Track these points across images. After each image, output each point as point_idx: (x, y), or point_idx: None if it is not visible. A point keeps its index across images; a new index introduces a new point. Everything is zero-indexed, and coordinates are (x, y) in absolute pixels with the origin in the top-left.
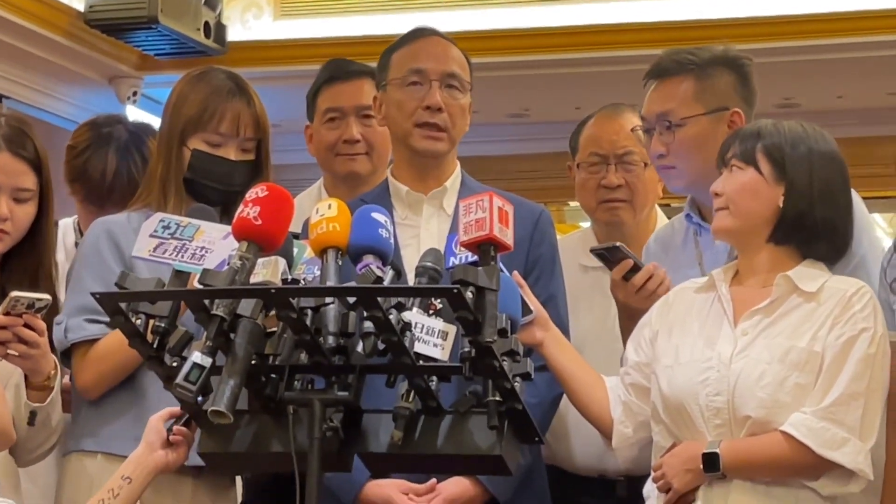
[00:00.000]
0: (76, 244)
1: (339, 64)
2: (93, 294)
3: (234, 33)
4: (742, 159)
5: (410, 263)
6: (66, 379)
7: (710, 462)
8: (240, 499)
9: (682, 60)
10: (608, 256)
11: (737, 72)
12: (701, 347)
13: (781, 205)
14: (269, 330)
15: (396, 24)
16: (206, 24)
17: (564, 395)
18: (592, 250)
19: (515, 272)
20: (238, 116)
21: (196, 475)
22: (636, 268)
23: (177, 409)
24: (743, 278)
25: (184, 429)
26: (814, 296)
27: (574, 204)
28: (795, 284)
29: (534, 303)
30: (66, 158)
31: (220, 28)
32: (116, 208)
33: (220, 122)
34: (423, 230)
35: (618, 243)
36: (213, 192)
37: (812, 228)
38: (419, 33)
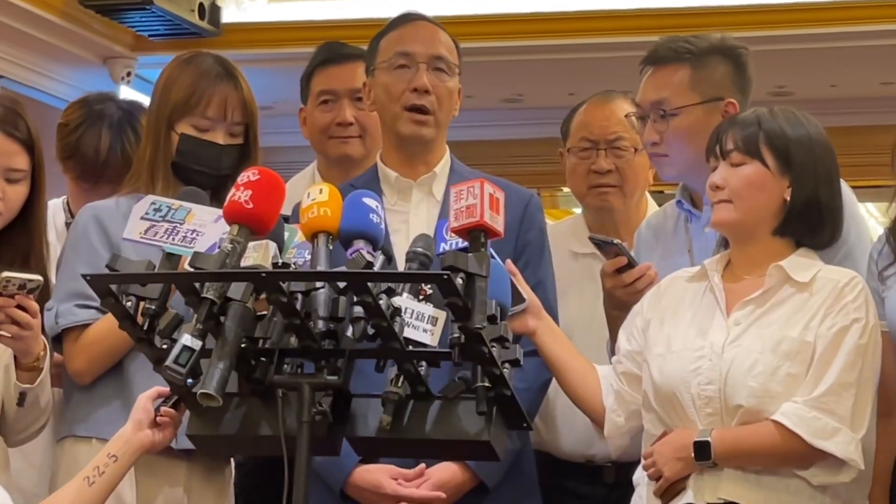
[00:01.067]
0: (66, 224)
1: (333, 47)
2: (84, 276)
3: (229, 15)
4: (745, 152)
5: (400, 249)
6: (58, 355)
7: (702, 450)
8: (233, 480)
9: (678, 49)
10: (603, 248)
11: (733, 61)
12: (693, 336)
13: (789, 197)
14: (259, 313)
15: (391, 7)
16: (201, 5)
17: (553, 382)
18: (592, 238)
19: (508, 261)
20: (225, 100)
21: (190, 458)
22: (630, 265)
23: (165, 388)
24: (735, 268)
25: (171, 410)
26: (806, 286)
27: (567, 189)
28: (788, 274)
29: (527, 291)
30: (58, 136)
31: (215, 10)
32: (110, 185)
33: (208, 106)
34: (412, 216)
35: (618, 241)
36: (201, 175)
37: (818, 218)
38: (407, 18)
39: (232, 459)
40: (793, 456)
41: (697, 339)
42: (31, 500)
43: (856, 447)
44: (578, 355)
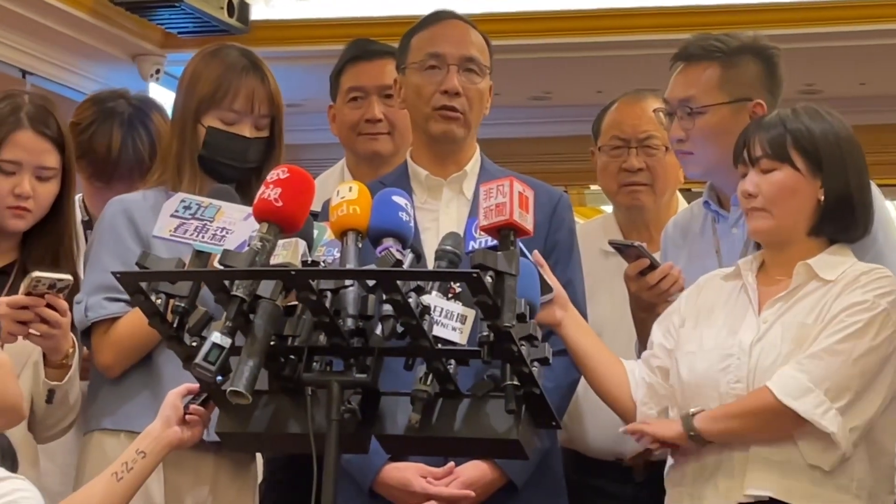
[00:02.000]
0: (83, 222)
1: (362, 44)
2: (113, 273)
3: (258, 12)
4: (774, 157)
5: (430, 247)
6: (87, 350)
7: (688, 420)
8: (260, 477)
9: (709, 47)
10: (625, 251)
11: (764, 62)
12: (724, 336)
13: (822, 197)
14: (289, 304)
15: (420, 4)
16: (230, 2)
17: (582, 380)
18: (612, 243)
19: (536, 252)
20: (252, 93)
21: (217, 451)
22: (652, 267)
23: (195, 385)
24: (769, 269)
25: (200, 408)
26: (832, 282)
27: (595, 187)
28: (815, 272)
29: (554, 282)
30: (70, 135)
31: (244, 7)
32: (123, 183)
33: (235, 99)
34: (442, 214)
35: (637, 243)
36: (227, 168)
37: (850, 214)
38: (438, 16)
39: (260, 456)
40: (768, 416)
41: (728, 338)
42: (55, 499)
43: (825, 412)
44: (604, 348)
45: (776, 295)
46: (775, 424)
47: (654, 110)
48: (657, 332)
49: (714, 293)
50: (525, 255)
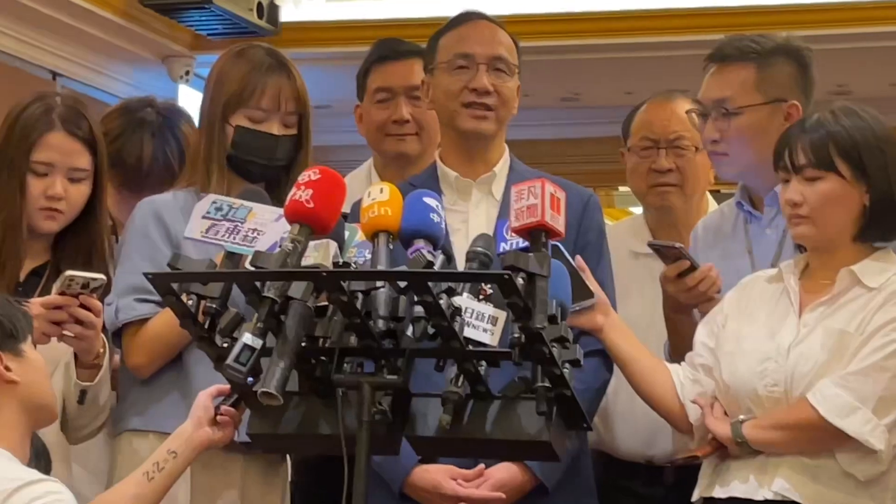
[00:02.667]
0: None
1: (389, 43)
2: (145, 274)
3: (287, 14)
4: (819, 166)
5: (459, 248)
6: (117, 358)
7: (736, 428)
8: (287, 477)
9: (744, 48)
10: (664, 252)
11: (798, 62)
12: (763, 338)
13: (867, 202)
14: (319, 304)
15: (449, 6)
16: (259, 4)
17: (612, 381)
18: (651, 245)
19: (578, 257)
20: (279, 91)
21: (246, 452)
22: (692, 268)
23: (225, 386)
24: (814, 272)
25: (232, 409)
26: (876, 289)
27: (624, 189)
28: (859, 278)
29: (595, 288)
30: None
31: (273, 8)
32: (153, 193)
33: (262, 97)
34: (471, 215)
35: (678, 244)
36: (256, 167)
37: (894, 215)
38: (466, 17)
39: (288, 457)
40: (813, 432)
41: (767, 341)
42: (84, 502)
43: (873, 429)
44: (647, 352)
45: (819, 299)
46: (820, 439)
47: (687, 111)
48: (701, 331)
49: (757, 295)
50: (567, 260)
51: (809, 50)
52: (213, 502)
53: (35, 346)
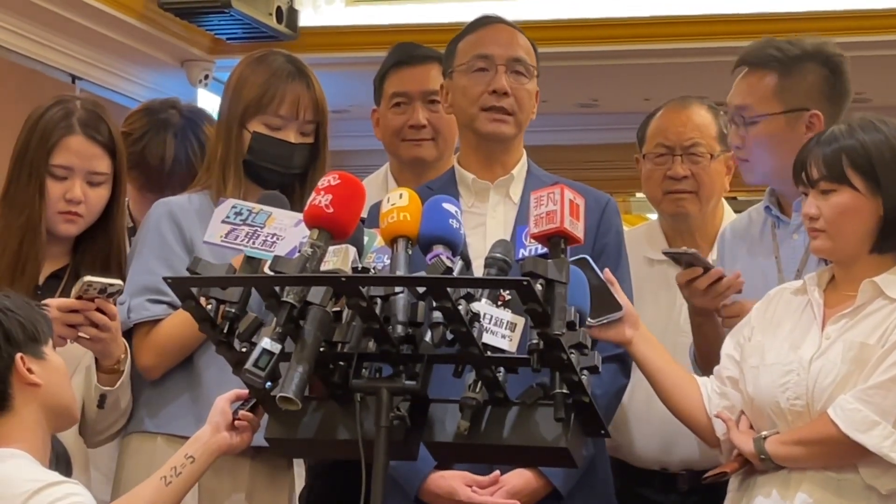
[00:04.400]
0: (128, 229)
1: (406, 48)
2: (165, 279)
3: (306, 18)
4: (832, 179)
5: (476, 251)
6: None
7: (759, 443)
8: (301, 482)
9: (765, 56)
10: (678, 259)
11: (829, 69)
12: (786, 350)
13: (882, 213)
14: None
15: (468, 11)
16: (279, 8)
17: (628, 388)
18: (666, 252)
19: (607, 270)
20: (298, 99)
21: (254, 456)
22: (705, 272)
23: (243, 391)
24: (839, 284)
25: (250, 414)
26: None
27: (640, 195)
28: (881, 290)
29: (623, 300)
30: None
31: (292, 13)
32: (174, 194)
33: (281, 104)
34: (489, 218)
35: (691, 250)
36: (271, 174)
37: None
38: (485, 21)
39: (303, 461)
40: (835, 447)
41: (789, 353)
42: None
43: (893, 443)
44: (677, 365)
45: (841, 311)
46: (841, 454)
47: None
48: (728, 343)
49: (783, 307)
50: (596, 272)
51: (842, 56)
52: None
53: (55, 349)
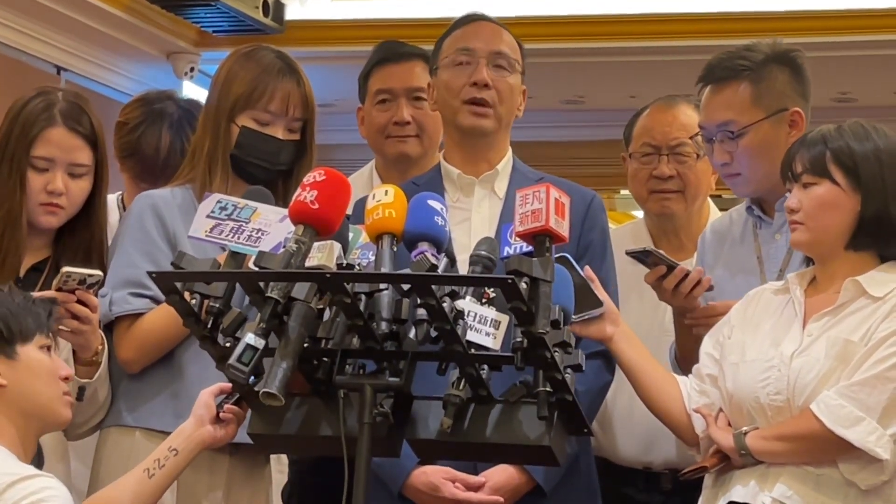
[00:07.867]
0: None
1: (390, 46)
2: (149, 273)
3: (292, 12)
4: (813, 173)
5: (461, 246)
6: None
7: (740, 438)
8: (284, 478)
9: (735, 66)
10: (643, 259)
11: (790, 67)
12: (766, 347)
13: (860, 210)
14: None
15: (454, 7)
16: (265, 2)
17: (612, 387)
18: (629, 252)
19: (587, 267)
20: (288, 96)
21: (233, 453)
22: (671, 270)
23: (227, 384)
24: (820, 284)
25: (235, 407)
26: (881, 298)
27: (625, 192)
28: (864, 289)
29: (604, 297)
30: (117, 135)
31: (279, 6)
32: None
33: (270, 100)
34: (474, 213)
35: (650, 247)
36: (258, 169)
37: (889, 229)
38: (470, 18)
39: (287, 457)
40: (817, 443)
41: (770, 349)
42: (84, 499)
43: (878, 439)
44: (656, 362)
45: (824, 309)
46: (824, 450)
47: (691, 137)
48: (707, 342)
49: (763, 306)
50: (576, 269)
51: (799, 51)
52: (199, 503)
53: (53, 348)
